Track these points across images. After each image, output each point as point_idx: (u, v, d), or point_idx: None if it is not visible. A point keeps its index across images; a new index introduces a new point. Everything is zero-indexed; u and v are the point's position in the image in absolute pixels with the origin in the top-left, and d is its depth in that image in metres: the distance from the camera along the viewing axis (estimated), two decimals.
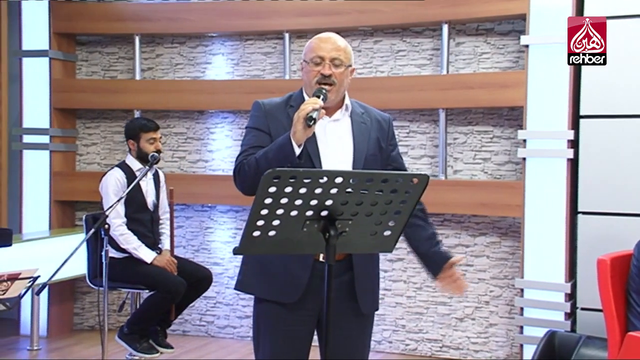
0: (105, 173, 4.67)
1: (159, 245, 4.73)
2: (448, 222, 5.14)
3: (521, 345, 4.68)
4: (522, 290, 4.68)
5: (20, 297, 3.39)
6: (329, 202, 2.01)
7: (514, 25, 4.95)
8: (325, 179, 1.97)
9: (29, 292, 3.47)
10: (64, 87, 5.68)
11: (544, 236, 4.58)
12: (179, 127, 5.73)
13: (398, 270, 5.25)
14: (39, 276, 3.43)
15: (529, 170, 4.64)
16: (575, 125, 4.52)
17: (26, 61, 5.66)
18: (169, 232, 4.74)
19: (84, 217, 4.76)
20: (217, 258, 5.66)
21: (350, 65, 2.59)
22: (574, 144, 4.53)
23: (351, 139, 2.59)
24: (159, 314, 4.58)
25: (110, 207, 4.08)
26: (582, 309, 4.43)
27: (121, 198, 4.19)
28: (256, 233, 2.02)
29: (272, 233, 2.04)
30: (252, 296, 2.65)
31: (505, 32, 4.99)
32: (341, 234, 2.06)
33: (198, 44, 5.68)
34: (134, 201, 4.58)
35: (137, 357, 4.58)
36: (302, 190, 1.96)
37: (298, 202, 1.98)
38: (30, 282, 3.39)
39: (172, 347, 4.71)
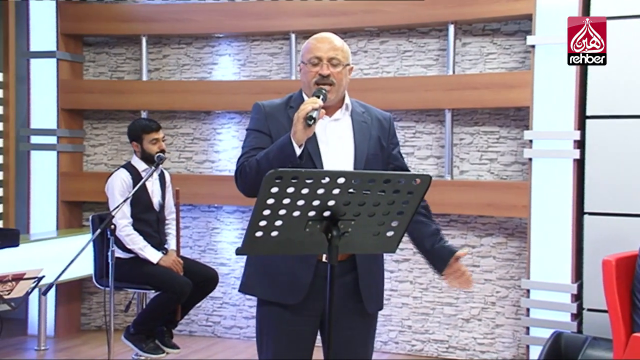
0: (111, 174, 4.69)
1: (165, 246, 4.75)
2: (454, 223, 5.13)
3: (527, 346, 4.67)
4: (528, 291, 4.67)
5: (27, 294, 3.40)
6: (331, 203, 2.00)
7: (520, 26, 4.94)
8: (327, 179, 1.96)
9: (36, 292, 3.48)
10: (71, 88, 5.69)
11: (550, 237, 4.56)
12: (186, 128, 5.74)
13: (404, 270, 5.25)
14: (43, 276, 3.44)
15: (535, 171, 4.62)
16: (581, 126, 4.51)
17: (34, 62, 5.68)
18: (174, 233, 4.75)
19: (90, 218, 4.79)
20: (223, 258, 5.67)
21: (348, 64, 2.58)
22: (581, 144, 4.52)
23: (352, 139, 2.58)
24: (165, 314, 4.59)
25: (117, 207, 4.09)
26: (589, 310, 4.41)
27: (127, 198, 4.19)
28: (258, 233, 2.02)
29: (274, 233, 2.03)
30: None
31: (512, 32, 4.98)
32: (344, 235, 2.05)
33: (205, 45, 5.69)
34: (139, 201, 4.59)
35: (143, 357, 4.59)
36: (305, 191, 1.95)
37: (300, 202, 1.97)
38: (35, 282, 3.40)
39: (178, 348, 4.72)
